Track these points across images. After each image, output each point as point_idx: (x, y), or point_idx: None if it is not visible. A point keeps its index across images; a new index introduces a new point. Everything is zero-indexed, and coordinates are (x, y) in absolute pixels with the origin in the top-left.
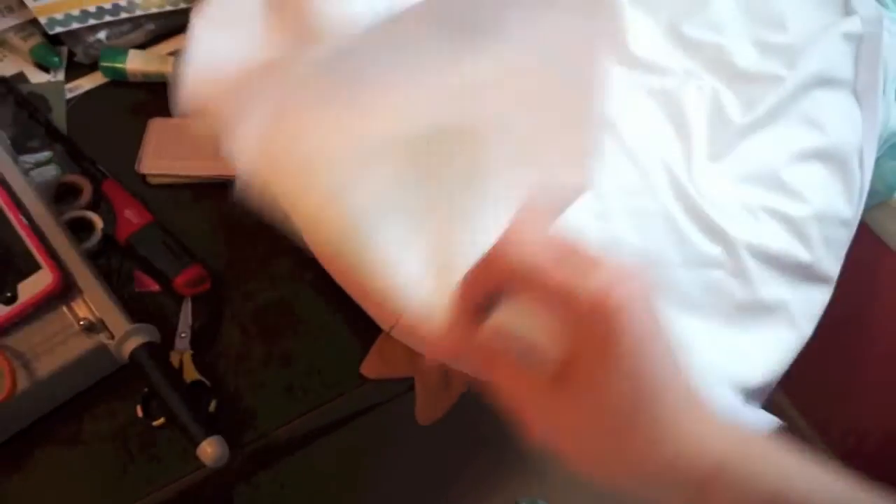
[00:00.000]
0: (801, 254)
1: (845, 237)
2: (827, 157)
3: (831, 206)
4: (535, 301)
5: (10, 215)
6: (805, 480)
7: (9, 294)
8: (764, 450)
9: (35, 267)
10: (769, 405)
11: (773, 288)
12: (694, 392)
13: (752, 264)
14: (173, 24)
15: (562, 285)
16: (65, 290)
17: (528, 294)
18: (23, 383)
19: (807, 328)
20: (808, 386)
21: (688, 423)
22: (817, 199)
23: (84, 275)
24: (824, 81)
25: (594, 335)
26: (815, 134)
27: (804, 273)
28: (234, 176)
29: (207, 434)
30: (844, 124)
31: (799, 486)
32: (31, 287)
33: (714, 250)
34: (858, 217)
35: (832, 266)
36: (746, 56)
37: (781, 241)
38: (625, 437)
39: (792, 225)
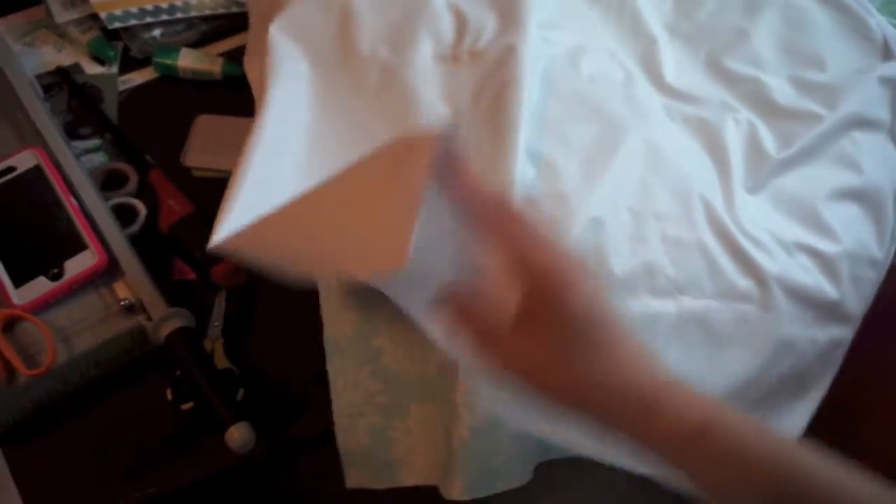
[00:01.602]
0: (829, 291)
1: (873, 277)
2: (862, 197)
3: (863, 245)
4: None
5: (62, 196)
6: (788, 454)
7: (55, 270)
8: (748, 420)
9: (82, 246)
10: None
11: (800, 327)
12: (653, 356)
13: (781, 300)
14: (225, 26)
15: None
16: (108, 271)
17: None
18: (61, 357)
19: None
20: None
21: (647, 375)
22: (849, 237)
23: (127, 257)
24: (862, 123)
25: (554, 286)
26: (850, 173)
27: (829, 311)
28: None
29: (236, 419)
30: (880, 166)
31: (783, 456)
32: (77, 265)
33: (746, 283)
34: (889, 259)
35: (857, 306)
36: (784, 93)
37: (811, 278)
38: (580, 370)
39: (824, 262)
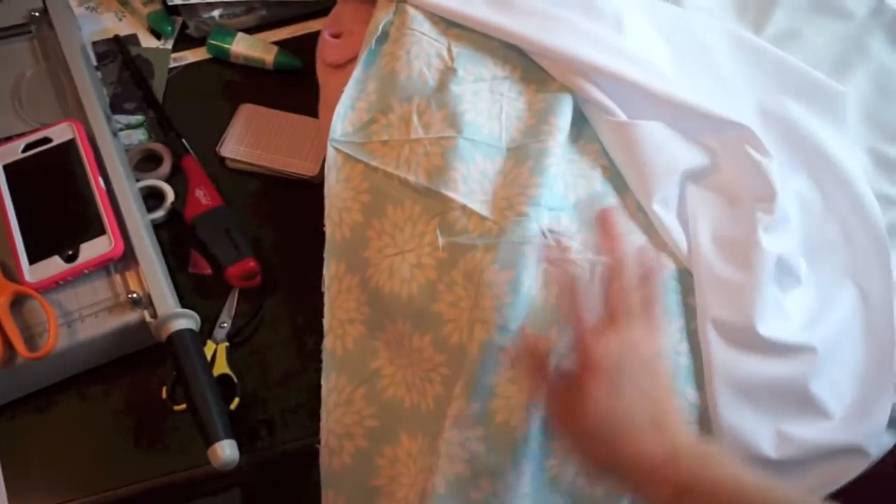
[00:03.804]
0: None
1: None
2: None
3: None
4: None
5: (90, 175)
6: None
7: (70, 252)
8: (727, 464)
9: (100, 231)
10: None
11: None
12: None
13: None
14: (285, 14)
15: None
16: (122, 260)
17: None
18: (63, 341)
19: None
20: None
21: (677, 437)
22: None
23: (144, 249)
24: None
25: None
26: None
27: None
28: (308, 176)
29: (224, 436)
30: None
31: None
32: (92, 250)
33: None
34: None
35: None
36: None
37: None
38: (619, 439)
39: None
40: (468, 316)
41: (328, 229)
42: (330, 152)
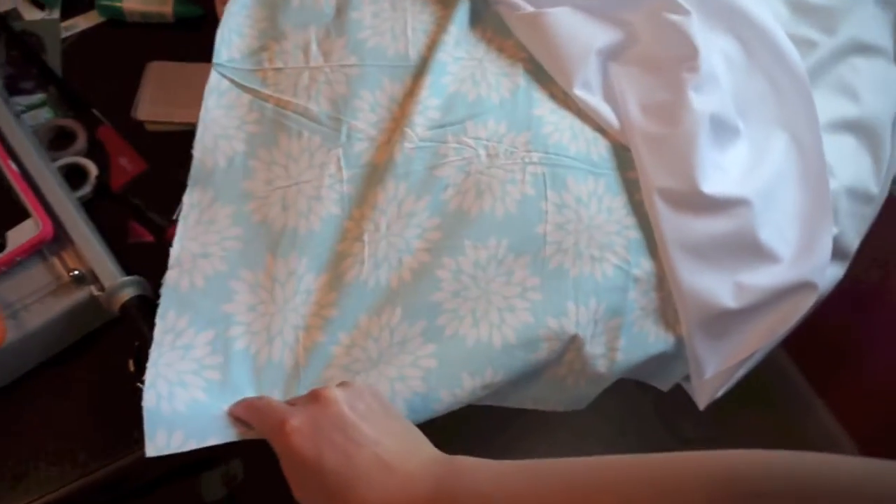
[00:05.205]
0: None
1: (869, 214)
2: (859, 128)
3: (860, 180)
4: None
5: (0, 161)
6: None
7: None
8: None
9: (24, 215)
10: (775, 369)
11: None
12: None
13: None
14: None
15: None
16: (55, 240)
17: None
18: (12, 333)
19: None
20: (817, 355)
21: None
22: (847, 172)
23: (75, 224)
24: (862, 48)
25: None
26: (849, 103)
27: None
28: None
29: None
30: (880, 94)
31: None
32: (20, 235)
33: None
34: (884, 194)
35: (853, 242)
36: (778, 16)
37: None
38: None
39: None
40: (374, 250)
41: (196, 154)
42: (214, 76)
